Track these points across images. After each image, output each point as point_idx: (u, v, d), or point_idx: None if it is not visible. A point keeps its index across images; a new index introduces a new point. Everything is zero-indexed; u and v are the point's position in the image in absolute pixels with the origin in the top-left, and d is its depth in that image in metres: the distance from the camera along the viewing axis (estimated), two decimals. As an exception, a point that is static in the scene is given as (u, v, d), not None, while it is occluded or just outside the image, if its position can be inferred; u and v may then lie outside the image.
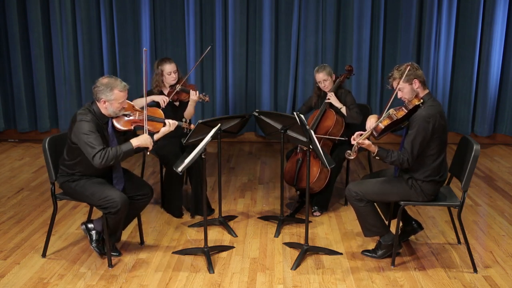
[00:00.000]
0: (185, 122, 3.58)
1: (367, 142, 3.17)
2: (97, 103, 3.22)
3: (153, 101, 4.22)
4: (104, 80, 3.21)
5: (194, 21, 6.25)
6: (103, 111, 3.23)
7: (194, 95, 4.22)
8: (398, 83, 3.19)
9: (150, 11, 6.28)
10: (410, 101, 3.18)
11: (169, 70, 4.22)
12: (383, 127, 3.16)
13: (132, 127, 3.31)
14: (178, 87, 4.23)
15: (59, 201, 3.49)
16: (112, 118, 3.27)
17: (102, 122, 3.24)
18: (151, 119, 3.37)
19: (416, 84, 3.17)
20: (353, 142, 3.17)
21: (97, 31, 6.38)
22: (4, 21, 6.37)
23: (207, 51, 4.64)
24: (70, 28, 6.29)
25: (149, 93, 4.29)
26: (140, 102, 3.99)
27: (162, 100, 4.15)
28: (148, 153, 3.33)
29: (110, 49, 6.38)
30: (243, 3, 6.20)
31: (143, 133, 3.28)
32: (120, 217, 3.26)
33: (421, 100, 3.17)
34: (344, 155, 4.24)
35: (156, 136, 3.37)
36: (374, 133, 3.19)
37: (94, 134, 3.11)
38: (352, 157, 3.17)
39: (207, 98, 4.29)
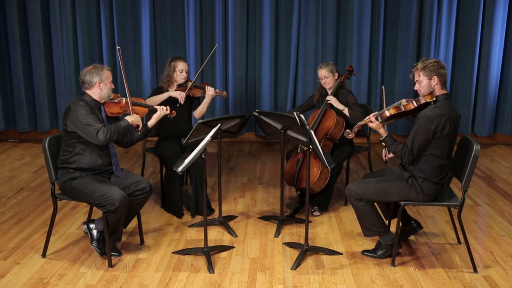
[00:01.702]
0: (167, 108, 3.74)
1: (376, 122, 3.25)
2: (91, 89, 3.37)
3: (171, 96, 4.25)
4: (88, 67, 3.41)
5: (194, 21, 6.25)
6: (96, 95, 3.38)
7: (210, 91, 4.28)
8: (419, 75, 3.20)
9: (150, 11, 6.29)
10: (423, 97, 3.19)
11: (182, 68, 4.29)
12: (388, 114, 3.24)
13: (122, 111, 3.51)
14: (190, 83, 4.29)
15: (59, 201, 3.50)
16: (103, 104, 3.44)
17: (95, 108, 3.39)
18: (135, 103, 3.62)
19: (435, 81, 3.16)
20: (362, 121, 3.32)
21: (97, 31, 6.38)
22: (4, 21, 6.38)
23: (214, 49, 4.64)
24: (70, 28, 6.29)
25: (159, 89, 4.35)
26: (153, 100, 4.17)
27: (180, 95, 4.18)
28: (139, 133, 3.55)
29: (110, 49, 6.38)
30: (243, 3, 6.20)
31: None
32: (120, 216, 3.26)
33: (434, 98, 3.17)
34: (345, 156, 4.29)
35: (150, 123, 3.60)
36: (379, 118, 3.26)
37: (91, 116, 3.28)
38: (350, 137, 3.34)
39: (224, 93, 4.38)
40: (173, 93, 4.23)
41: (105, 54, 6.39)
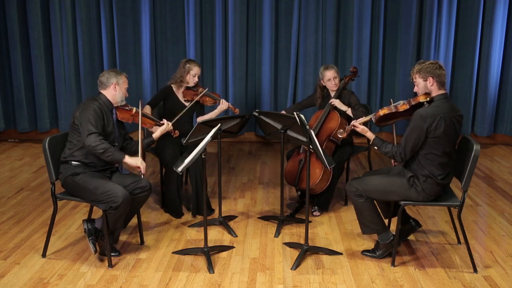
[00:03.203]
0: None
1: (361, 126, 3.32)
2: (106, 90, 3.47)
3: (174, 105, 4.35)
4: (107, 71, 3.53)
5: (194, 21, 6.25)
6: (111, 97, 3.48)
7: (225, 104, 4.34)
8: (415, 77, 3.24)
9: (150, 11, 6.28)
10: (416, 97, 3.21)
11: (195, 73, 4.36)
12: (381, 114, 3.28)
13: (131, 119, 3.59)
14: (201, 90, 4.33)
15: (59, 201, 3.49)
16: (116, 108, 3.53)
17: (108, 109, 3.47)
18: (144, 115, 3.69)
19: (431, 82, 3.18)
20: (351, 124, 3.35)
21: (97, 31, 6.38)
22: (4, 21, 6.37)
23: (204, 91, 4.39)
24: (70, 28, 6.29)
25: (166, 90, 4.42)
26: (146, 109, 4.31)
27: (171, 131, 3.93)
28: (143, 176, 3.46)
29: (110, 49, 6.38)
30: (243, 3, 6.20)
31: (138, 131, 3.56)
32: (121, 213, 3.27)
33: (427, 98, 3.19)
34: (346, 157, 4.28)
35: (155, 135, 3.67)
36: (373, 119, 3.31)
37: (98, 118, 3.34)
38: (343, 136, 3.41)
39: (237, 110, 4.41)
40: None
41: (105, 54, 6.39)
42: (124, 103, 3.57)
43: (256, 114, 3.78)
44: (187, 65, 4.35)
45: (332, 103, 4.21)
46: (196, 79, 4.38)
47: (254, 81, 6.47)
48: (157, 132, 3.69)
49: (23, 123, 6.63)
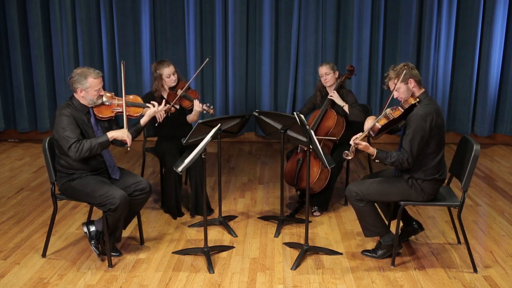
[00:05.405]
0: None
1: (363, 143, 3.17)
2: (75, 94, 3.29)
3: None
4: (78, 70, 3.29)
5: (194, 21, 6.25)
6: (82, 101, 3.30)
7: (198, 106, 4.11)
8: (395, 83, 3.21)
9: (150, 11, 6.28)
10: (406, 101, 3.20)
11: (168, 73, 4.13)
12: (379, 126, 3.20)
13: (114, 114, 3.39)
14: (180, 92, 4.13)
15: (59, 201, 3.50)
16: (92, 107, 3.35)
17: (83, 113, 3.31)
18: (129, 104, 3.45)
19: (412, 83, 3.19)
20: (351, 142, 3.19)
21: (97, 31, 6.38)
22: (4, 21, 6.37)
23: (205, 62, 4.34)
24: (70, 27, 6.29)
25: (150, 95, 4.22)
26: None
27: (159, 115, 3.81)
28: (129, 148, 3.36)
29: (110, 49, 6.38)
30: (243, 3, 6.20)
31: (124, 123, 3.36)
32: (120, 215, 3.26)
33: (417, 99, 3.20)
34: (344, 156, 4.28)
35: (142, 120, 3.48)
36: (371, 133, 3.23)
37: (70, 128, 3.19)
38: (350, 157, 3.20)
39: (211, 111, 4.15)
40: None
41: (105, 54, 6.39)
42: (100, 101, 3.33)
43: (256, 114, 3.78)
44: (157, 71, 4.12)
45: (330, 96, 4.21)
46: (173, 78, 4.14)
47: (254, 81, 6.47)
48: (145, 116, 3.47)
49: (23, 123, 6.63)
